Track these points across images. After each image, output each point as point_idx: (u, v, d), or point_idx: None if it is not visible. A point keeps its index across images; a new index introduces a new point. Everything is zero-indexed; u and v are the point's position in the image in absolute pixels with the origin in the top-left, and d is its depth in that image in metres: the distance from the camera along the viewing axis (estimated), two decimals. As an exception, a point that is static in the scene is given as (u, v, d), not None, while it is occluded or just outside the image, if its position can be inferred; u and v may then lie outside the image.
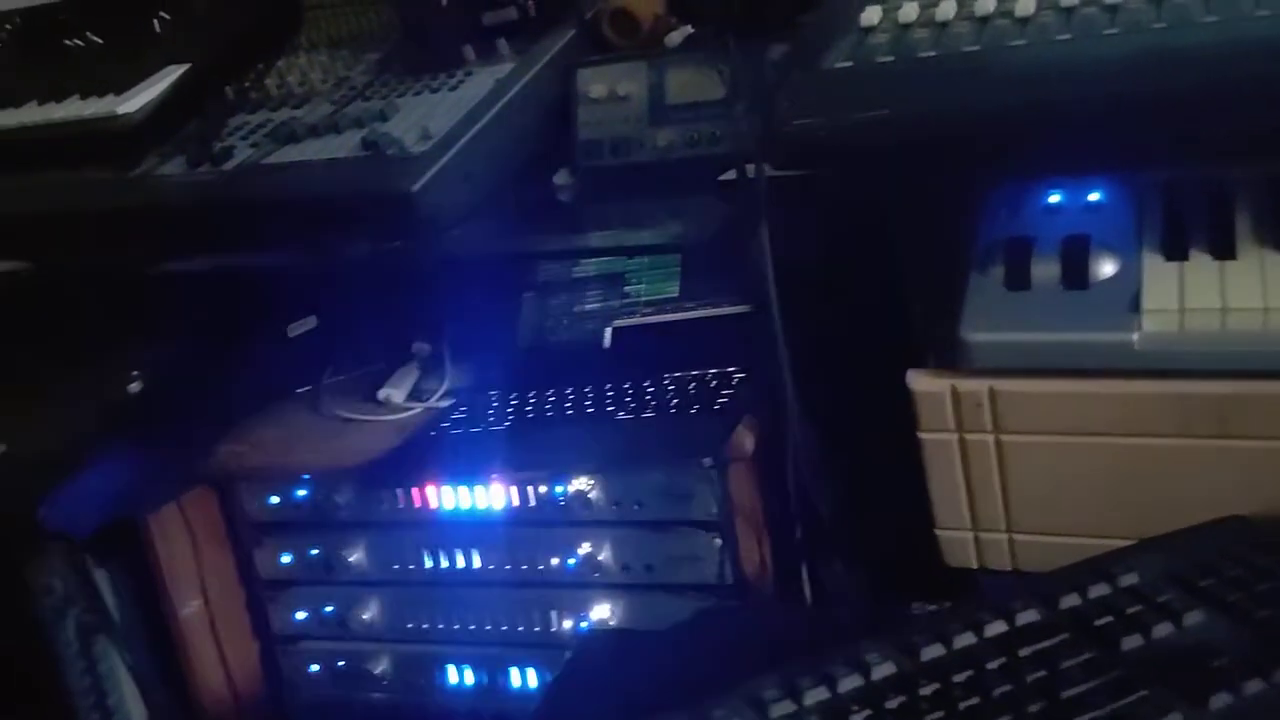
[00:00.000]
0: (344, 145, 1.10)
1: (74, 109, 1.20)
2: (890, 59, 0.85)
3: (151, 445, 1.20)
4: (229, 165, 1.12)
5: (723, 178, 1.02)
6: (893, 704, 0.65)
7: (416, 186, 1.00)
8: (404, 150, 1.05)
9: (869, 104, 0.81)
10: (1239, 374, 0.83)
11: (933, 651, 0.69)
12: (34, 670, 1.26)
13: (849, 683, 0.67)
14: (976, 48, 0.83)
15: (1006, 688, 0.65)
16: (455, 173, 1.03)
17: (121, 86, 1.20)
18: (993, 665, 0.67)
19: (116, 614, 1.25)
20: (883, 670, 0.68)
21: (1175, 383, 0.85)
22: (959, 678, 0.66)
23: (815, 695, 0.67)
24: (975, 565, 0.98)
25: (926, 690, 0.66)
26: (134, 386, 1.20)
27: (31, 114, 1.22)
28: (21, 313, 1.22)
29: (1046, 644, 0.68)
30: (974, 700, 0.64)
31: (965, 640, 0.69)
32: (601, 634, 1.02)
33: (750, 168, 0.94)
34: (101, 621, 1.25)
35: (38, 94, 1.25)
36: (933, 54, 0.83)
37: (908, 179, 0.91)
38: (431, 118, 1.09)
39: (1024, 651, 0.67)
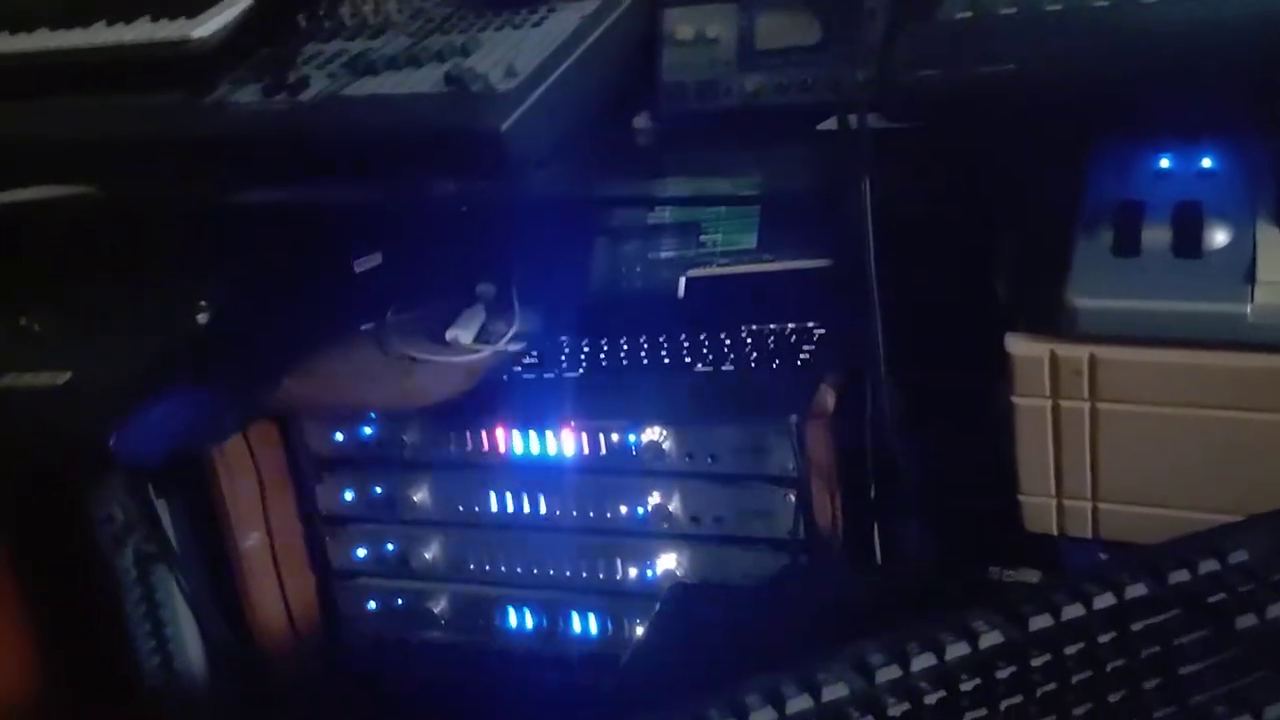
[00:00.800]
0: (425, 80, 1.07)
1: (145, 31, 1.18)
2: (1013, 10, 0.82)
3: (219, 377, 1.19)
4: (306, 95, 1.10)
5: (821, 127, 0.99)
6: (1003, 673, 0.64)
7: (505, 125, 0.98)
8: (490, 87, 1.02)
9: (994, 57, 0.79)
10: (1352, 350, 0.81)
11: (1041, 622, 0.68)
12: (91, 598, 1.27)
13: (956, 650, 0.66)
14: (1104, 3, 0.80)
15: (1120, 662, 0.64)
16: (542, 112, 1.01)
17: (193, 9, 1.18)
18: (1104, 639, 0.65)
19: (176, 545, 1.25)
20: (991, 639, 0.67)
21: (1285, 357, 0.83)
22: (1070, 650, 0.65)
23: (922, 662, 0.66)
24: (1056, 532, 0.97)
25: (1038, 661, 0.64)
26: (202, 317, 1.19)
27: (100, 35, 1.20)
28: (89, 239, 1.21)
29: (1158, 619, 0.66)
30: (1087, 674, 0.63)
31: (1074, 612, 0.68)
32: (688, 586, 1.01)
33: (853, 118, 0.92)
34: (160, 551, 1.25)
35: (106, 14, 1.22)
36: (1058, 8, 0.81)
37: (1021, 136, 0.89)
38: (517, 54, 1.06)
39: (1136, 626, 0.66)
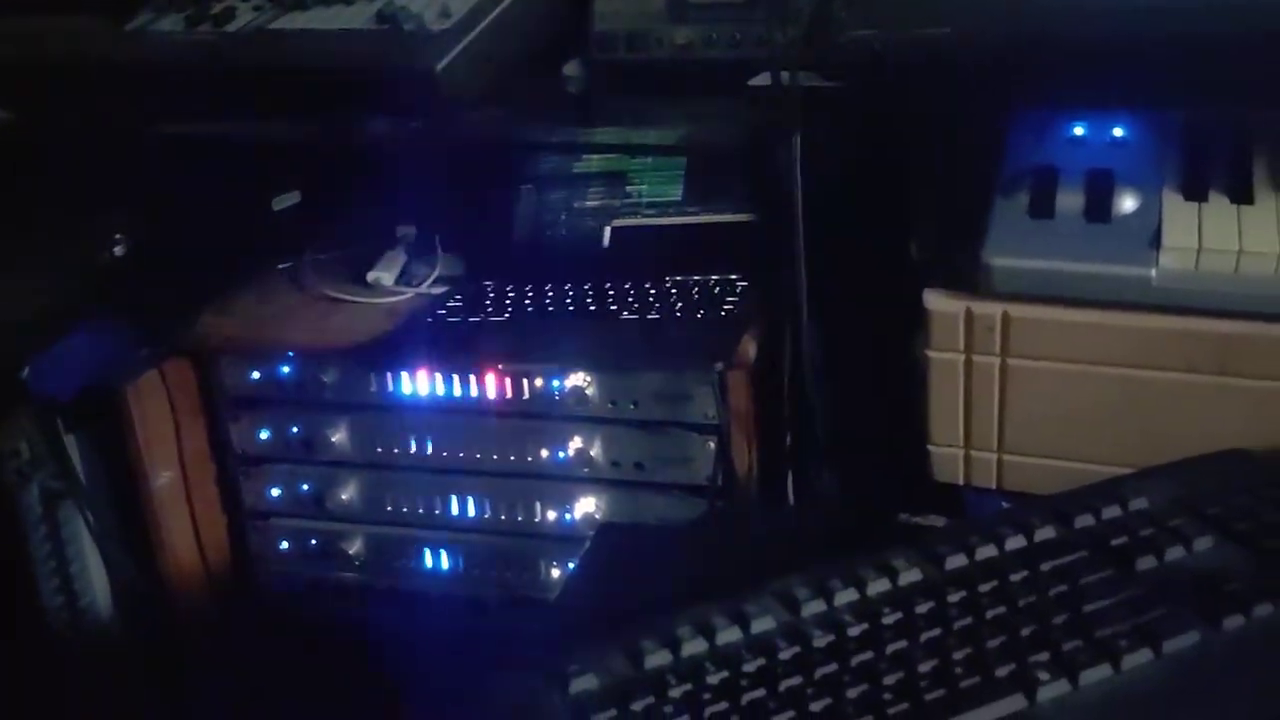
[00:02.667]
0: (356, 16, 1.06)
1: (63, -47, 1.15)
2: (946, -25, 0.85)
3: (133, 311, 1.17)
4: (232, 27, 1.08)
5: (753, 82, 1.01)
6: (922, 609, 0.67)
7: (440, 65, 0.98)
8: (424, 26, 1.02)
9: (929, 20, 0.81)
10: (1245, 315, 0.87)
11: (956, 561, 0.71)
12: (-6, 535, 1.24)
13: (877, 586, 0.70)
14: (1037, -28, 0.83)
15: (1031, 599, 0.67)
16: (477, 53, 1.02)
17: (114, -66, 1.15)
18: (1016, 578, 0.69)
19: (85, 481, 1.23)
20: (909, 576, 0.70)
21: (1184, 319, 0.88)
22: (984, 587, 0.69)
23: (845, 596, 0.69)
24: (962, 481, 1.02)
25: (954, 597, 0.68)
26: (118, 250, 1.16)
27: (18, -44, 1.16)
28: (2, 165, 1.17)
29: (1066, 560, 0.70)
30: (1001, 609, 0.67)
31: (987, 552, 0.72)
32: (616, 526, 1.03)
33: (785, 75, 0.94)
34: (68, 488, 1.23)
35: (25, -64, 1.18)
36: (990, -26, 0.84)
37: (942, 99, 0.92)
38: (450, -6, 1.06)
39: (1045, 566, 0.70)
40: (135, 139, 1.18)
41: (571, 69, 1.16)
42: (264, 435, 1.25)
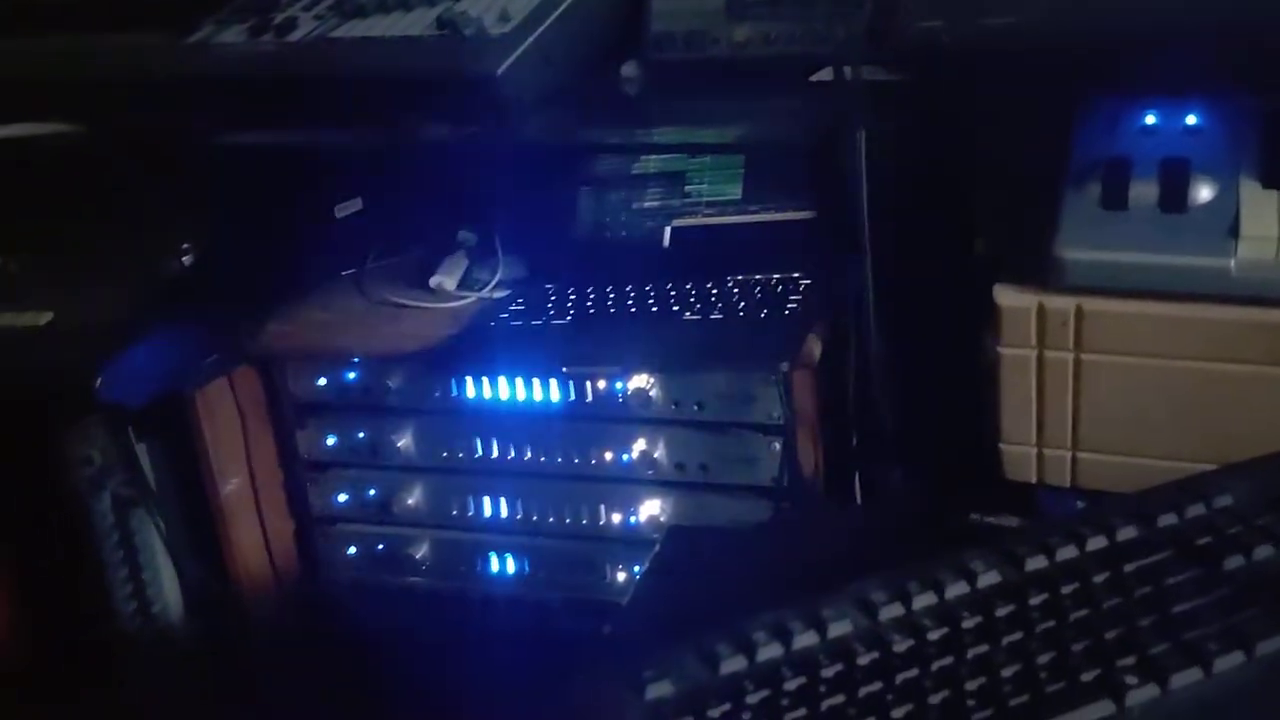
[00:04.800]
0: (417, 23, 1.07)
1: (127, -31, 1.16)
2: (1011, -35, 0.83)
3: (201, 319, 1.18)
4: (294, 37, 1.09)
5: (815, 78, 1.00)
6: (1002, 612, 0.66)
7: (501, 69, 0.98)
8: (483, 31, 1.02)
9: (994, 10, 0.80)
10: (1330, 305, 0.84)
11: (1036, 562, 0.70)
12: (68, 541, 1.26)
13: (956, 589, 0.68)
14: (1103, -41, 0.81)
15: (1115, 601, 0.66)
16: (536, 57, 1.01)
17: (176, -52, 1.17)
18: (1099, 579, 0.67)
19: (155, 488, 1.24)
20: (989, 579, 0.69)
21: (1263, 310, 0.86)
22: (1066, 589, 0.67)
23: (924, 600, 0.68)
24: (1035, 480, 1.00)
25: (1035, 600, 0.66)
26: (186, 259, 1.18)
27: (82, -29, 1.18)
28: (72, 180, 1.19)
29: (1150, 560, 0.68)
30: (1084, 612, 0.65)
31: (1068, 553, 0.70)
32: (685, 529, 1.02)
33: (848, 69, 0.93)
34: (139, 495, 1.24)
35: (87, -47, 1.20)
36: (1057, -38, 0.82)
37: (1010, 90, 0.90)
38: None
39: (1128, 567, 0.68)
40: (201, 150, 1.19)
41: (629, 69, 1.15)
42: (330, 441, 1.26)
